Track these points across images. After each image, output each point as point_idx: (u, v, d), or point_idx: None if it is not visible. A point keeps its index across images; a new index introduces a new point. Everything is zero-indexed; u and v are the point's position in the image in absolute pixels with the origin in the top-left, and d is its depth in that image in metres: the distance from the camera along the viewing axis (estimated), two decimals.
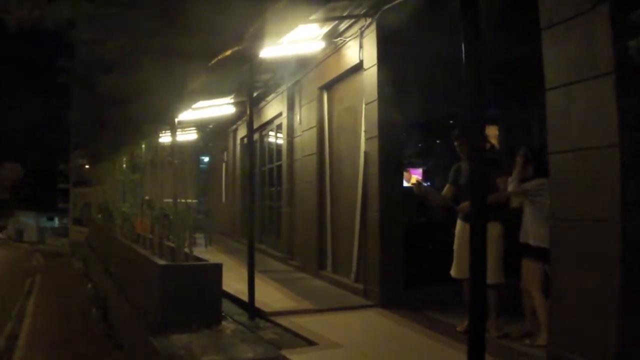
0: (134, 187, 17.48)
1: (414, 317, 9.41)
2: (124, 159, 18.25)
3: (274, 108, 18.16)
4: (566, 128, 5.94)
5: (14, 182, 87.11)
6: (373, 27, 10.73)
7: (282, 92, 16.88)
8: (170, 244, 11.23)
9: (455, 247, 8.52)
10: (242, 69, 10.31)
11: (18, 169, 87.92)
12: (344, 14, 11.18)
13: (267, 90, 17.64)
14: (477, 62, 4.35)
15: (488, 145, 12.31)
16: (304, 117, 15.05)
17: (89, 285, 21.67)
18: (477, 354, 4.28)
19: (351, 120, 12.38)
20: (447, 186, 8.99)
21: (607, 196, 5.40)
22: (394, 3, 9.70)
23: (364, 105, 11.22)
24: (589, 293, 5.62)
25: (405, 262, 10.45)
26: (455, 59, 4.40)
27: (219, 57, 8.91)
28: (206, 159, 31.44)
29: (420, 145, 14.97)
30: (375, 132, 10.61)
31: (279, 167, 17.84)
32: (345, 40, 12.00)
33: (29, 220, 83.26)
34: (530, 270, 7.63)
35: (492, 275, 7.72)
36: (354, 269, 11.61)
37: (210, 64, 9.08)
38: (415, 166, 13.51)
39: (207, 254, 13.27)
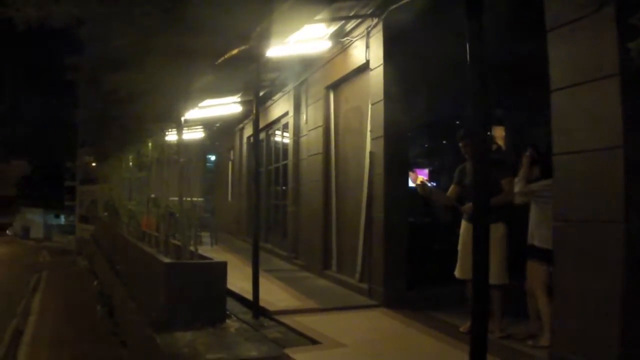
0: (140, 185, 17.52)
1: (417, 317, 9.42)
2: (131, 156, 18.27)
3: (280, 107, 18.17)
4: (571, 129, 5.94)
5: (21, 179, 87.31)
6: (380, 27, 10.73)
7: (288, 92, 16.89)
8: (176, 242, 11.26)
9: (459, 247, 8.53)
10: (248, 68, 10.32)
11: (25, 166, 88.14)
12: (351, 14, 11.19)
13: (274, 90, 17.64)
14: (481, 62, 4.36)
15: (494, 146, 12.33)
16: (310, 117, 15.06)
17: (95, 283, 21.74)
18: (479, 354, 4.29)
19: (357, 120, 12.38)
20: (451, 187, 8.99)
21: (611, 198, 5.41)
22: (400, 3, 9.70)
23: (370, 105, 11.22)
24: (592, 294, 5.62)
25: (410, 262, 10.45)
26: (461, 60, 4.40)
27: (226, 56, 8.93)
28: (213, 158, 31.48)
29: (426, 145, 14.98)
30: (381, 132, 10.62)
31: (285, 166, 17.85)
32: (352, 40, 12.01)
33: (35, 218, 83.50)
34: (535, 271, 7.63)
35: (496, 276, 7.75)
36: (358, 268, 11.62)
37: (216, 63, 9.10)
38: (421, 166, 13.52)
39: (213, 253, 13.29)
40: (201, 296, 9.31)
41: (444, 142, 14.33)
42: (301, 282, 13.04)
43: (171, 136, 13.15)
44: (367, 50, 11.26)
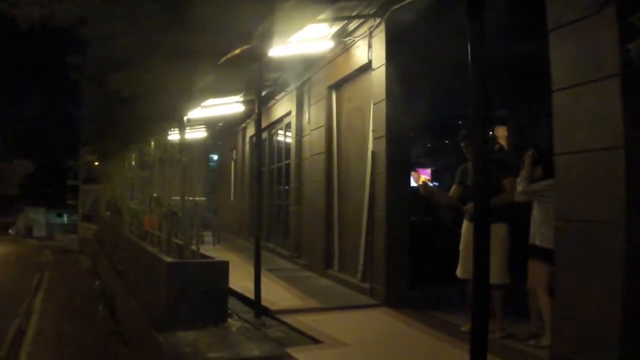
0: (142, 184, 17.55)
1: (419, 316, 9.43)
2: (133, 156, 18.31)
3: (283, 107, 18.18)
4: (572, 129, 5.96)
5: (24, 178, 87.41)
6: (382, 27, 10.74)
7: (291, 91, 16.90)
8: (178, 241, 11.28)
9: (461, 247, 8.55)
10: (250, 68, 10.34)
11: (28, 165, 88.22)
12: (353, 14, 11.20)
13: (276, 89, 17.65)
14: (482, 62, 4.37)
15: (497, 146, 12.33)
16: (313, 116, 15.07)
17: (97, 282, 21.76)
18: (479, 354, 4.30)
19: (359, 119, 12.39)
20: (453, 187, 9.00)
21: (612, 198, 5.42)
22: (403, 3, 9.71)
23: (372, 105, 11.23)
24: (592, 294, 5.64)
25: (412, 262, 10.46)
26: (464, 60, 4.41)
27: (228, 56, 8.94)
28: (215, 157, 31.51)
29: (429, 145, 15.00)
30: (383, 132, 10.63)
31: (288, 165, 17.86)
32: (354, 40, 12.02)
33: (38, 217, 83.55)
34: (537, 271, 7.62)
35: (498, 275, 7.78)
36: (360, 268, 11.63)
37: (219, 63, 9.11)
38: (424, 166, 13.53)
39: (215, 252, 13.31)
40: (203, 295, 9.32)
41: (447, 141, 14.34)
42: (303, 281, 13.06)
43: (174, 135, 13.17)
44: (370, 50, 11.27)
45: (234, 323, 9.34)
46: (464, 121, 11.74)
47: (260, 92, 11.32)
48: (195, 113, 14.00)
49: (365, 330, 8.88)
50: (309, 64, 14.57)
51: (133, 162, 18.81)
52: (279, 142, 20.05)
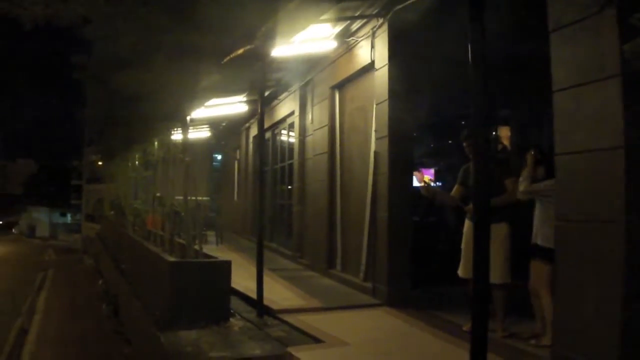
0: (146, 184, 17.57)
1: (421, 316, 9.44)
2: (137, 155, 18.32)
3: (286, 107, 18.20)
4: (573, 129, 5.96)
5: (28, 178, 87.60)
6: (385, 27, 10.76)
7: (294, 91, 16.93)
8: (181, 241, 11.30)
9: (462, 247, 8.56)
10: (254, 68, 10.36)
11: (31, 165, 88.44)
12: (356, 14, 11.22)
13: (280, 89, 17.67)
14: (483, 62, 4.39)
15: (500, 146, 12.34)
16: (316, 116, 15.10)
17: (100, 282, 21.77)
18: (480, 353, 4.31)
19: (362, 120, 12.41)
20: (455, 186, 9.01)
21: (612, 197, 5.43)
22: (406, 3, 9.73)
23: (374, 105, 11.24)
24: (592, 294, 5.64)
25: (414, 262, 10.48)
26: (466, 60, 4.43)
27: (231, 56, 8.96)
28: (219, 157, 31.55)
29: (432, 145, 15.02)
30: (386, 132, 10.65)
31: (291, 165, 17.89)
32: (357, 40, 12.04)
33: (41, 216, 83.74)
34: (539, 271, 7.63)
35: (499, 275, 7.81)
36: (362, 267, 11.64)
37: (222, 62, 9.12)
38: (427, 166, 13.55)
39: (218, 252, 13.33)
40: (205, 295, 9.34)
41: (450, 142, 14.36)
42: (305, 281, 13.07)
43: (177, 135, 13.19)
44: (372, 50, 11.30)
45: (236, 322, 9.35)
46: (466, 121, 11.76)
47: (264, 92, 11.34)
48: (198, 113, 14.04)
49: (367, 330, 8.89)
50: (312, 64, 14.60)
51: (137, 162, 18.81)
52: (282, 142, 20.07)
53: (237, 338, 8.50)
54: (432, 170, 14.11)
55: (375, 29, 11.14)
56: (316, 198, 14.79)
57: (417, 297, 10.24)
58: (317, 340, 8.14)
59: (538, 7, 6.45)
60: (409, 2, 9.64)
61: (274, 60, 11.90)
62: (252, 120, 22.57)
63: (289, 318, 9.36)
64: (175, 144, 13.24)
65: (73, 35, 8.61)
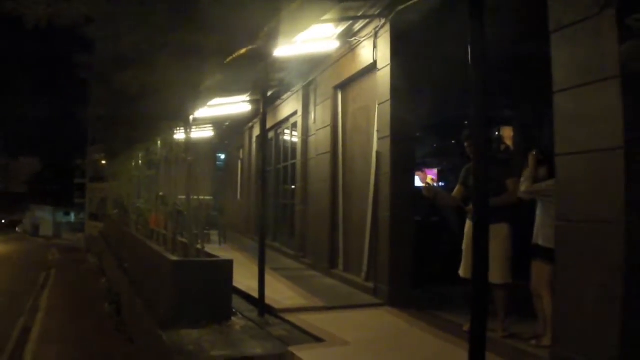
0: (149, 183, 17.60)
1: (422, 316, 9.46)
2: (140, 155, 18.35)
3: (289, 106, 18.22)
4: (573, 130, 5.97)
5: (31, 177, 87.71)
6: (387, 27, 10.77)
7: (297, 91, 16.95)
8: (183, 240, 11.32)
9: (464, 247, 8.56)
10: (257, 68, 10.37)
11: (35, 164, 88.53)
12: (358, 14, 11.24)
13: (283, 89, 17.67)
14: (483, 62, 4.40)
15: (503, 147, 12.35)
16: (319, 116, 15.11)
17: (103, 280, 21.82)
18: (478, 353, 4.33)
19: (364, 120, 12.43)
20: (457, 187, 9.01)
21: (612, 198, 5.43)
22: (408, 4, 9.72)
23: (377, 105, 11.25)
24: (592, 294, 5.65)
25: (416, 262, 10.49)
26: (468, 60, 4.45)
27: (234, 55, 8.97)
28: (223, 157, 31.56)
29: (435, 145, 15.03)
30: (388, 132, 10.67)
31: (294, 165, 17.91)
32: (359, 40, 12.05)
33: (45, 215, 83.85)
34: (540, 271, 7.63)
35: (500, 275, 7.83)
36: (364, 267, 11.66)
37: (225, 62, 9.14)
38: (430, 166, 13.56)
39: (221, 251, 13.36)
40: (207, 294, 9.36)
41: (453, 142, 14.37)
42: (308, 280, 13.10)
43: (180, 134, 13.21)
44: (375, 50, 11.31)
45: (237, 321, 9.37)
46: (468, 121, 11.76)
47: (266, 92, 11.36)
48: (201, 112, 14.04)
49: (368, 329, 8.91)
50: (315, 64, 14.61)
51: (140, 161, 18.85)
52: (285, 141, 20.09)
53: (239, 337, 8.52)
54: (435, 171, 14.12)
55: (377, 29, 11.15)
56: (319, 198, 14.81)
57: (419, 297, 10.25)
58: (318, 340, 8.17)
59: (541, 8, 6.46)
60: (411, 2, 9.64)
61: (276, 60, 11.90)
62: (255, 120, 22.59)
63: (291, 317, 9.39)
64: (178, 144, 13.25)
65: (77, 34, 8.64)
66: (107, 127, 18.88)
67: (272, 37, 8.83)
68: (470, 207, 8.44)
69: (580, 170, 5.89)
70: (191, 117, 11.95)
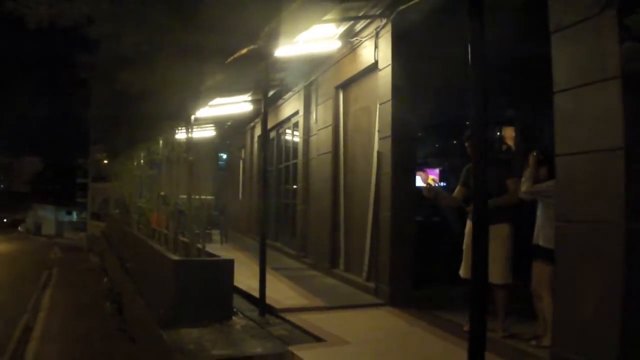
0: (150, 182, 17.61)
1: (423, 316, 9.47)
2: (142, 154, 18.37)
3: (291, 106, 18.24)
4: (573, 131, 5.98)
5: (34, 176, 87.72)
6: (388, 27, 10.77)
7: (299, 91, 16.95)
8: (185, 239, 11.34)
9: (464, 247, 8.56)
10: (257, 68, 10.39)
11: (38, 163, 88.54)
12: (359, 14, 11.24)
13: (285, 89, 17.66)
14: (482, 62, 4.41)
15: (504, 147, 12.34)
16: (320, 116, 15.12)
17: (105, 280, 21.83)
18: (477, 353, 4.34)
19: (366, 120, 12.43)
20: (458, 187, 9.01)
21: (612, 198, 5.44)
22: (409, 4, 9.72)
23: (378, 105, 11.26)
24: (592, 294, 5.66)
25: (417, 262, 10.50)
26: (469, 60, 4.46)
27: (235, 55, 8.99)
28: (224, 156, 31.57)
29: (436, 145, 15.02)
30: (389, 132, 10.67)
31: (295, 165, 17.91)
32: (361, 40, 12.05)
33: (47, 214, 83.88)
34: (540, 271, 7.63)
35: (500, 275, 7.84)
36: (365, 267, 11.66)
37: (226, 62, 9.15)
38: (431, 166, 13.55)
39: (222, 251, 13.39)
40: (208, 293, 9.38)
41: (455, 142, 14.36)
42: (309, 280, 13.11)
43: (182, 134, 13.22)
44: (376, 50, 11.31)
45: (238, 321, 9.39)
46: (470, 122, 11.75)
47: (267, 92, 11.37)
48: (203, 112, 14.05)
49: (368, 329, 8.93)
50: (316, 64, 14.62)
51: (141, 161, 18.86)
52: (286, 141, 20.11)
53: (239, 336, 8.55)
54: (436, 171, 14.10)
55: (378, 29, 11.16)
56: (320, 198, 14.82)
57: (419, 297, 10.24)
58: (318, 339, 8.18)
59: (543, 8, 6.46)
60: (412, 2, 9.65)
61: (277, 60, 11.91)
62: (257, 120, 22.59)
63: (291, 317, 9.40)
64: (179, 143, 13.27)
65: (79, 34, 8.66)
66: (109, 127, 18.91)
67: (273, 37, 8.84)
68: (471, 207, 8.46)
69: (580, 170, 5.90)
70: (192, 117, 11.96)
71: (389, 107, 10.69)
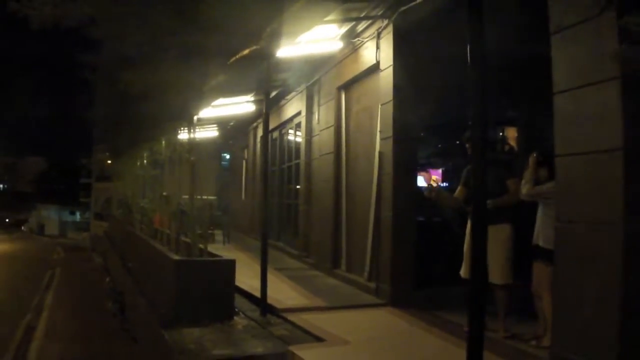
0: (153, 182, 17.65)
1: (423, 316, 9.48)
2: (145, 154, 18.40)
3: (293, 106, 18.25)
4: (572, 131, 5.99)
5: (37, 176, 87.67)
6: (390, 28, 10.79)
7: (301, 91, 16.96)
8: (187, 239, 11.36)
9: (465, 247, 8.58)
10: (260, 68, 10.41)
11: (41, 163, 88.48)
12: (361, 15, 11.26)
13: (287, 89, 17.66)
14: (481, 62, 4.43)
15: (507, 147, 12.34)
16: (322, 116, 15.14)
17: (107, 279, 21.85)
18: (476, 352, 4.36)
19: (367, 120, 12.45)
20: (459, 188, 9.03)
21: (611, 199, 5.45)
22: (410, 5, 9.74)
23: (379, 106, 11.28)
24: (591, 294, 5.67)
25: (419, 262, 10.51)
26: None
27: (237, 56, 9.01)
28: (227, 156, 31.59)
29: (439, 146, 15.01)
30: (390, 133, 10.69)
31: (298, 165, 17.92)
32: (362, 41, 12.07)
33: (50, 214, 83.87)
34: (540, 272, 7.64)
35: (500, 276, 7.86)
36: (367, 267, 11.67)
37: (229, 63, 9.18)
38: (434, 167, 13.55)
39: (224, 251, 13.40)
40: (209, 293, 9.40)
41: (457, 142, 14.37)
42: (310, 280, 13.12)
43: (184, 134, 13.25)
44: (378, 51, 11.33)
45: (239, 321, 9.42)
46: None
47: (268, 93, 11.39)
48: (206, 112, 14.08)
49: (369, 329, 8.94)
50: (319, 64, 14.64)
51: (144, 161, 18.90)
52: (289, 141, 20.11)
53: (240, 336, 8.57)
54: (439, 171, 14.10)
55: (380, 29, 11.17)
56: (322, 198, 14.84)
57: (420, 297, 10.25)
58: (318, 339, 8.20)
59: (545, 9, 6.48)
60: (413, 3, 9.66)
61: (279, 61, 11.93)
62: (259, 120, 22.57)
63: (292, 317, 9.42)
64: (181, 144, 13.30)
65: (82, 34, 8.69)
66: (112, 127, 18.96)
67: (275, 38, 8.88)
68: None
69: (580, 171, 5.91)
70: (195, 117, 11.99)
71: (390, 107, 10.71)
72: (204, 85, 10.33)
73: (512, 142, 13.15)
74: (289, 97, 18.37)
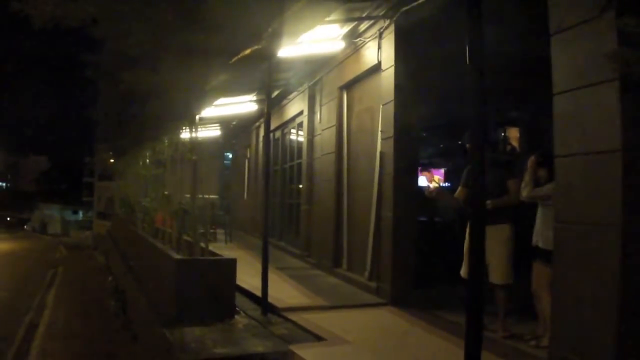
0: (155, 182, 17.66)
1: (423, 315, 9.49)
2: (147, 154, 18.41)
3: (295, 106, 18.26)
4: (572, 132, 5.99)
5: (40, 175, 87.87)
6: (391, 28, 10.80)
7: (303, 91, 16.99)
8: (188, 238, 11.38)
9: (465, 248, 8.59)
10: (262, 68, 10.43)
11: (44, 162, 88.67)
12: (363, 15, 11.26)
13: (289, 89, 17.69)
14: (481, 63, 4.44)
15: (509, 147, 12.36)
16: (324, 116, 15.16)
17: (110, 278, 21.88)
18: (474, 352, 4.37)
19: (369, 120, 12.46)
20: (459, 188, 9.04)
21: (610, 200, 5.45)
22: (412, 5, 9.76)
23: (381, 106, 11.29)
24: (589, 295, 5.67)
25: (418, 262, 10.52)
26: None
27: (239, 56, 9.02)
28: (230, 156, 31.60)
29: (441, 145, 15.03)
30: (391, 133, 10.70)
31: (299, 165, 17.95)
32: (364, 41, 12.08)
33: (53, 213, 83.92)
34: (540, 272, 7.66)
35: (501, 276, 7.89)
36: (367, 267, 11.68)
37: (230, 62, 9.19)
38: (436, 166, 13.57)
39: (226, 250, 13.41)
40: (211, 292, 9.39)
41: (459, 142, 14.38)
42: (311, 279, 13.14)
43: (187, 134, 13.27)
44: (379, 51, 11.35)
45: (240, 320, 9.43)
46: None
47: (270, 93, 11.40)
48: (208, 112, 14.10)
49: (369, 328, 8.95)
50: (321, 64, 14.66)
51: (147, 160, 18.91)
52: (291, 141, 20.12)
53: (241, 335, 8.59)
54: (441, 171, 14.12)
55: (382, 30, 11.19)
56: (323, 197, 14.86)
57: (421, 296, 10.26)
58: (319, 338, 8.22)
59: (545, 10, 6.49)
60: (415, 3, 9.68)
61: (281, 61, 11.96)
62: (262, 120, 22.56)
63: (293, 316, 9.44)
64: (183, 143, 13.31)
65: (84, 34, 8.70)
66: (115, 126, 18.96)
67: (276, 38, 8.87)
68: None
69: (579, 172, 5.91)
70: (197, 117, 12.00)
71: (391, 107, 10.73)
72: (206, 85, 10.34)
73: (514, 143, 13.16)
74: (291, 96, 18.40)
